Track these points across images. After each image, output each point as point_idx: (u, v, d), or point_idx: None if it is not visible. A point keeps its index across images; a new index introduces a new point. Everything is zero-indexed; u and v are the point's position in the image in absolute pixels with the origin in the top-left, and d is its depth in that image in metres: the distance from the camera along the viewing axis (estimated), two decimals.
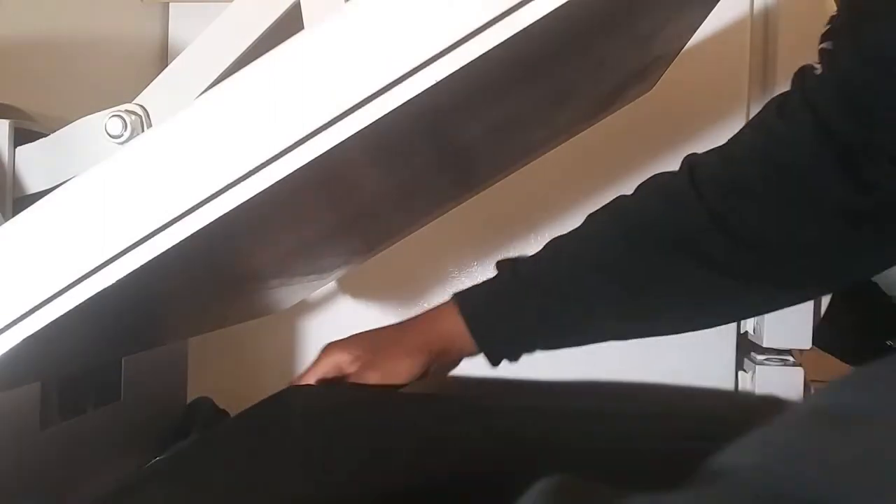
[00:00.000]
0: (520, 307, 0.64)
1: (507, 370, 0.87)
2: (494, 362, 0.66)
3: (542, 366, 0.85)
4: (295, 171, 0.27)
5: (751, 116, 0.83)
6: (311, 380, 0.66)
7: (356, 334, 0.69)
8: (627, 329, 0.66)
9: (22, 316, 0.29)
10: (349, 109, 0.26)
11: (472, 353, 0.66)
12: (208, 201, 0.27)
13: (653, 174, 0.64)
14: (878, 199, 0.54)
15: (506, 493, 0.33)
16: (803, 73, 0.58)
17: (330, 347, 0.67)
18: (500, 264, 0.67)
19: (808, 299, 0.75)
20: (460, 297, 0.66)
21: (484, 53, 0.26)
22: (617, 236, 0.62)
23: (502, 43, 0.26)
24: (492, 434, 0.57)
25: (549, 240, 0.68)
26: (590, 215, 0.65)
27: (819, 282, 0.62)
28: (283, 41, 0.28)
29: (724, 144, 0.62)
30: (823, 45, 0.56)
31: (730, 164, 0.60)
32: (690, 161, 0.63)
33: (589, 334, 0.66)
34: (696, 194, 0.59)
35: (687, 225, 0.59)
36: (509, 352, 0.66)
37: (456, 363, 0.69)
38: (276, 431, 0.58)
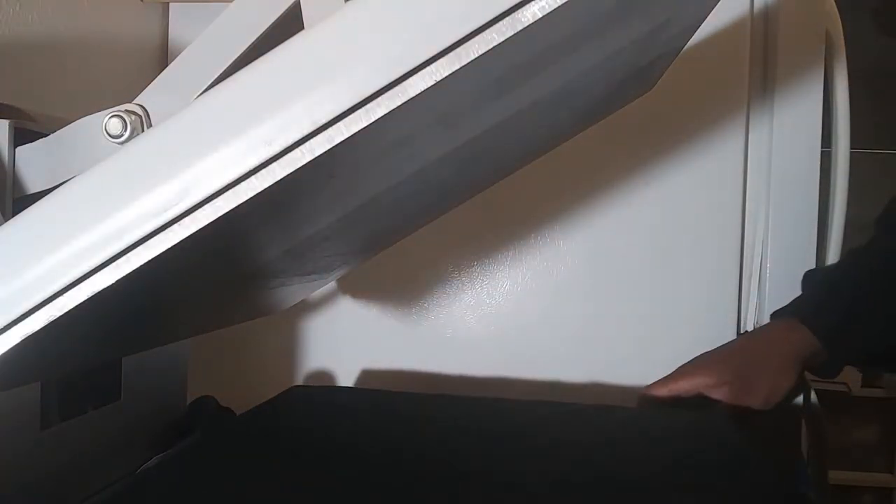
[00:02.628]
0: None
1: (511, 369, 0.87)
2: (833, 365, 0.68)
3: (540, 365, 0.85)
4: (295, 171, 0.27)
5: (750, 116, 0.83)
6: (663, 392, 0.69)
7: (707, 356, 0.71)
8: None
9: (22, 316, 0.29)
10: (349, 109, 0.26)
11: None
12: (208, 201, 0.27)
13: None
14: None
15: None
16: None
17: (690, 369, 0.70)
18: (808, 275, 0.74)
19: None
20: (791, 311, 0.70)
21: (484, 53, 0.26)
22: None
23: (503, 43, 0.26)
24: (498, 430, 0.57)
25: (548, 240, 0.68)
26: None
27: None
28: (283, 41, 0.28)
29: None
30: None
31: None
32: None
33: None
34: None
35: None
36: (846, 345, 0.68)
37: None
38: (280, 431, 0.58)
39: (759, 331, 0.74)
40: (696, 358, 0.72)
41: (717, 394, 0.67)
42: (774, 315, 0.72)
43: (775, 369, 0.67)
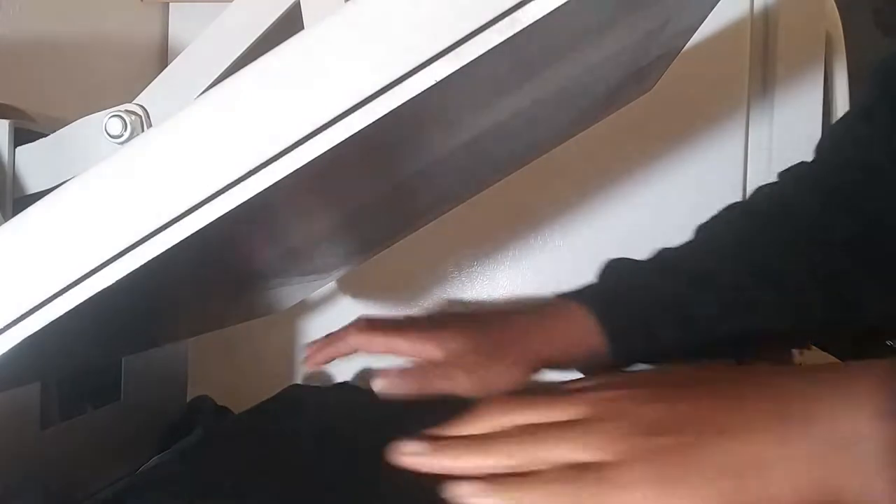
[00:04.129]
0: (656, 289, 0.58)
1: None
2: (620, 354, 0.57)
3: None
4: (295, 170, 0.27)
5: (750, 116, 0.83)
6: (378, 347, 0.57)
7: (464, 319, 0.59)
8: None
9: (22, 316, 0.29)
10: (350, 109, 0.26)
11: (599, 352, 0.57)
12: (208, 201, 0.27)
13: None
14: None
15: None
16: (880, 67, 0.57)
17: (415, 329, 0.57)
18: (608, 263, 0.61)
19: None
20: (578, 295, 0.59)
21: (484, 53, 0.26)
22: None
23: (503, 43, 0.26)
24: None
25: (548, 240, 0.68)
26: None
27: None
28: (283, 41, 0.28)
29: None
30: None
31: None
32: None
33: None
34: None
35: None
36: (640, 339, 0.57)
37: (579, 365, 0.59)
38: (280, 430, 0.58)
39: (530, 313, 0.59)
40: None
41: (454, 359, 0.54)
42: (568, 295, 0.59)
43: (510, 360, 0.55)
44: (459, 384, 0.53)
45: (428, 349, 0.55)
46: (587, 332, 0.57)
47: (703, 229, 0.62)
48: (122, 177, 0.28)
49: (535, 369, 0.56)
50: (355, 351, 0.58)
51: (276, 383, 0.78)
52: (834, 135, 0.63)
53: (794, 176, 0.63)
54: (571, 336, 0.57)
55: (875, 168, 0.58)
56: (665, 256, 0.61)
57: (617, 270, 0.61)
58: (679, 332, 0.57)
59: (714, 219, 0.63)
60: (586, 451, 0.33)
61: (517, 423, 0.37)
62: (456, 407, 0.63)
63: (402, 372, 0.54)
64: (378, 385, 0.54)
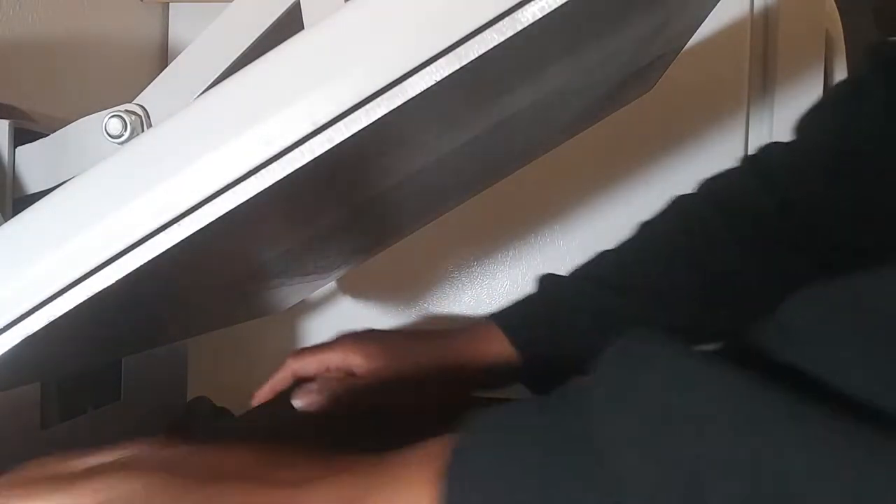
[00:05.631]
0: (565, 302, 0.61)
1: None
2: (530, 371, 0.60)
3: None
4: (295, 170, 0.27)
5: (750, 116, 0.83)
6: (311, 365, 0.61)
7: (373, 335, 0.64)
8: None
9: (22, 316, 0.29)
10: (350, 109, 0.26)
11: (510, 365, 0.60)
12: (208, 201, 0.27)
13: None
14: None
15: None
16: (874, 47, 0.56)
17: (345, 341, 0.62)
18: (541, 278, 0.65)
19: None
20: (495, 315, 0.62)
21: (484, 53, 0.26)
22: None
23: (503, 43, 0.26)
24: None
25: (549, 240, 0.68)
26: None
27: None
28: (283, 41, 0.28)
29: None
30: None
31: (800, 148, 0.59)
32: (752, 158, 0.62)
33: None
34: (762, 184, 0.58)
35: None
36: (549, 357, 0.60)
37: (490, 381, 0.62)
38: (278, 429, 0.58)
39: (454, 331, 0.62)
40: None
41: (360, 372, 0.59)
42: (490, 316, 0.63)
43: (426, 376, 0.58)
44: (380, 397, 0.57)
45: (356, 360, 0.59)
46: (501, 348, 0.60)
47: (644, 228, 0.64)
48: (122, 177, 0.28)
49: (454, 384, 0.60)
50: (295, 377, 0.62)
51: None
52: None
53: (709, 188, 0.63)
54: (485, 352, 0.60)
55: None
56: (590, 266, 0.63)
57: (540, 285, 0.64)
58: (590, 339, 0.59)
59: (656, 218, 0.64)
60: None
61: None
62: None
63: (320, 388, 0.58)
64: (297, 403, 0.59)
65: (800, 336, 0.23)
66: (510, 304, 0.64)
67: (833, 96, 0.62)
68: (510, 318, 0.62)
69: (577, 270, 0.64)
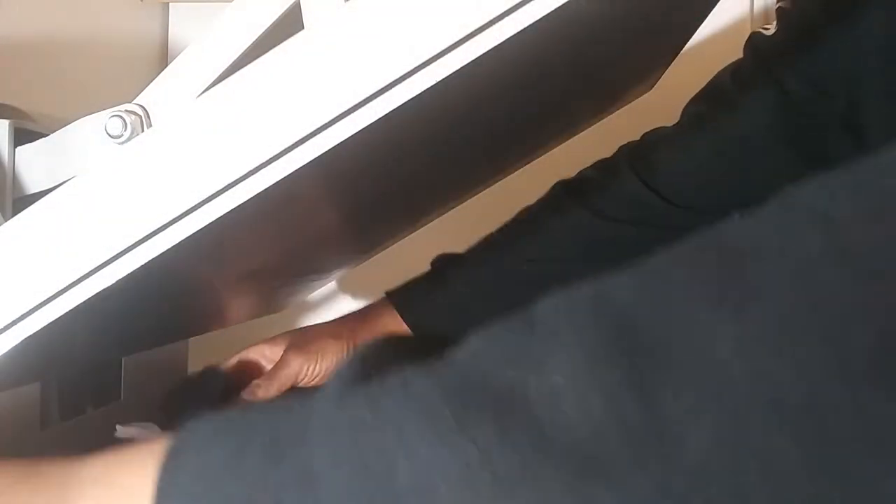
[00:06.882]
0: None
1: None
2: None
3: None
4: (295, 171, 0.27)
5: None
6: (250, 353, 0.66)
7: (308, 336, 0.68)
8: None
9: (22, 316, 0.29)
10: (349, 109, 0.26)
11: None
12: (208, 201, 0.27)
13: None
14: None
15: None
16: (753, 40, 0.59)
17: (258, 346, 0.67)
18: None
19: None
20: (389, 291, 0.68)
21: (484, 53, 0.26)
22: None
23: (502, 43, 0.26)
24: None
25: None
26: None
27: None
28: (283, 41, 0.28)
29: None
30: (781, 4, 0.57)
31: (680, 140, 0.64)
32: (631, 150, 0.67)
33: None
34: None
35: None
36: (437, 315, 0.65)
37: None
38: None
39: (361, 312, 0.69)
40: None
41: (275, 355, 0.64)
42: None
43: (329, 335, 0.64)
44: (292, 362, 0.62)
45: (264, 350, 0.65)
46: (395, 323, 0.65)
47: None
48: (122, 177, 0.28)
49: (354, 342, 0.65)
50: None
51: None
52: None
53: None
54: (379, 327, 0.65)
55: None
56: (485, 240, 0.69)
57: (434, 264, 0.69)
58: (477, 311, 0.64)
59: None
60: None
61: None
62: None
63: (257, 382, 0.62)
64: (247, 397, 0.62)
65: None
66: (406, 281, 0.68)
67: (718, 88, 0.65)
68: (402, 294, 0.66)
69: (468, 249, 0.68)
